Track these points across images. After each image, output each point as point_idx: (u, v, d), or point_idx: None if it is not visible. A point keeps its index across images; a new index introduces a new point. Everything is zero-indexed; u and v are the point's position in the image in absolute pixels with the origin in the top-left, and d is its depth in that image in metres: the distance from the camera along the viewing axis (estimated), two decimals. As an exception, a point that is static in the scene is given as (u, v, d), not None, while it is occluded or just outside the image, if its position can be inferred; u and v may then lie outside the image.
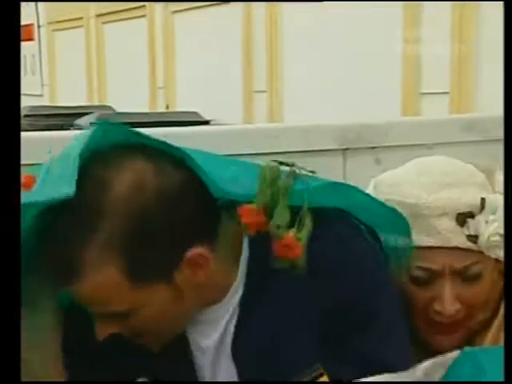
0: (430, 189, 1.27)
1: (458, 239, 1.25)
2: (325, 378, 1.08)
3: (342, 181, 1.50)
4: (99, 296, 1.09)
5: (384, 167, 1.51)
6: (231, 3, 4.04)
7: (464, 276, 1.27)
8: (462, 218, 1.24)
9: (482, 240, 1.23)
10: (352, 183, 1.50)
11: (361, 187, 1.49)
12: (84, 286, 1.07)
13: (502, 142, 1.59)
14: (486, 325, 1.32)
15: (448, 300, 1.27)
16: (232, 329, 1.18)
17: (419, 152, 1.50)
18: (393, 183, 1.32)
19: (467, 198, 1.26)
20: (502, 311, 1.30)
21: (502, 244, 1.22)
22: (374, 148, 1.52)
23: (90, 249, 1.05)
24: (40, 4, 7.07)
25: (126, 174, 1.06)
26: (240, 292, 1.18)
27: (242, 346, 1.17)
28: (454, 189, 1.26)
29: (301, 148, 1.44)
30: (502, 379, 0.75)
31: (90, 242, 1.05)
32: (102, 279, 1.06)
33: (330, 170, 1.45)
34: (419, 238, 1.27)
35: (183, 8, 4.66)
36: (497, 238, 1.22)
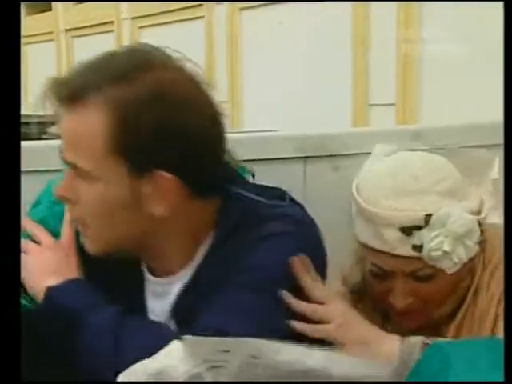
0: (387, 195, 1.24)
1: (404, 248, 1.22)
2: None
3: (302, 187, 1.51)
4: None
5: (341, 173, 1.53)
6: (193, 22, 4.04)
7: (415, 277, 1.24)
8: (409, 230, 1.20)
9: (425, 252, 1.20)
10: (312, 188, 1.52)
11: (321, 192, 1.52)
12: None
13: (445, 151, 1.63)
14: (451, 315, 1.29)
15: (398, 297, 1.26)
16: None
17: (373, 159, 1.52)
18: (364, 183, 1.30)
19: (416, 212, 1.21)
20: (466, 303, 1.28)
21: (445, 258, 1.20)
22: (331, 156, 1.53)
23: None
24: (12, 18, 6.95)
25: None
26: (193, 270, 1.14)
27: (181, 311, 1.14)
28: (410, 197, 1.22)
29: (266, 156, 1.45)
30: (467, 371, 0.73)
31: None
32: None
33: (291, 176, 1.47)
34: (371, 240, 1.26)
35: (149, 24, 4.64)
36: (439, 253, 1.19)
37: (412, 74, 2.69)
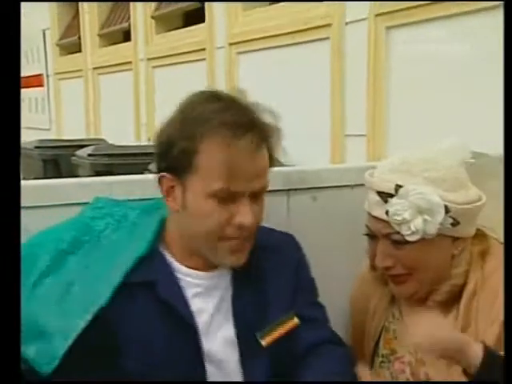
0: (382, 171, 1.27)
1: (379, 211, 1.24)
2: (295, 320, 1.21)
3: (286, 215, 1.48)
4: None
5: (319, 203, 1.51)
6: (197, 63, 4.02)
7: (391, 240, 1.24)
8: (385, 196, 1.23)
9: (390, 215, 1.22)
10: (294, 215, 1.49)
11: (302, 219, 1.49)
12: None
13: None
14: (447, 307, 1.26)
15: (378, 257, 1.26)
16: (229, 296, 1.18)
17: (345, 191, 1.51)
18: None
19: (392, 182, 1.23)
20: (463, 303, 1.24)
21: (404, 224, 1.20)
22: (311, 188, 1.51)
23: None
24: (49, 58, 6.96)
25: None
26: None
27: (240, 306, 1.17)
28: (395, 174, 1.24)
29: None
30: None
31: None
32: None
33: (276, 206, 1.44)
34: (365, 205, 1.29)
35: (161, 64, 4.62)
36: (399, 218, 1.20)
37: (382, 105, 2.65)
